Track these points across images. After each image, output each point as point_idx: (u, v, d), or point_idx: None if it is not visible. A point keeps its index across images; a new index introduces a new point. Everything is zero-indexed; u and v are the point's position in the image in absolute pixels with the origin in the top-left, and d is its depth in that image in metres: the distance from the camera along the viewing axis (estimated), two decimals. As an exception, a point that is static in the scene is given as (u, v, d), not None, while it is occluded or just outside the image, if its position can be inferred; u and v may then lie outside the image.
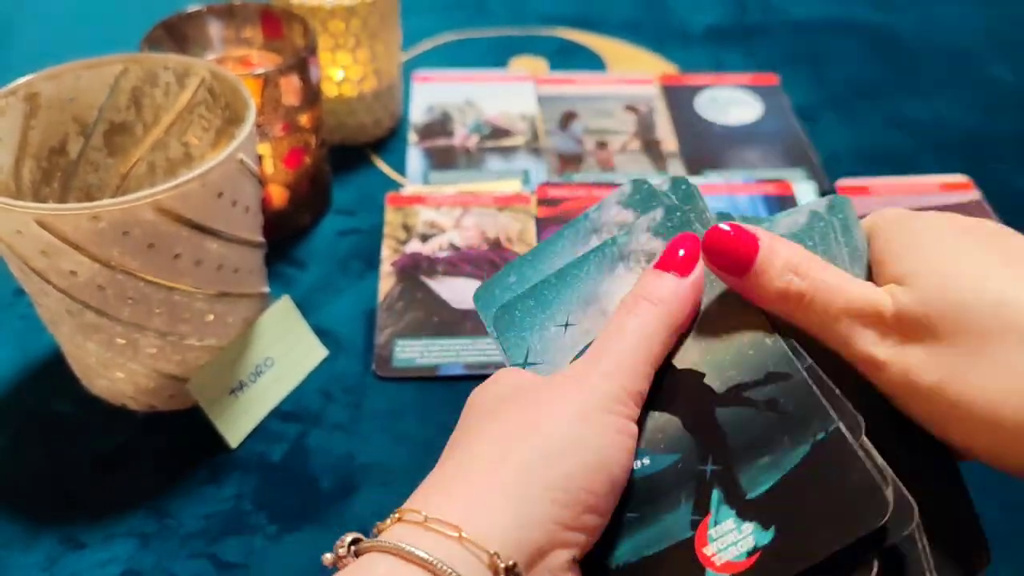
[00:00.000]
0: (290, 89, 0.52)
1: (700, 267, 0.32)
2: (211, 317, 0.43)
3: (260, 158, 0.53)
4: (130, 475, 0.44)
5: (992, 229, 0.30)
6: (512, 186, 0.61)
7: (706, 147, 0.66)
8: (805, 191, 0.61)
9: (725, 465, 0.30)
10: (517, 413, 0.30)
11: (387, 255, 0.55)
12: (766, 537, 0.28)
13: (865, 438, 0.29)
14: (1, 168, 0.43)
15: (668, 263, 0.32)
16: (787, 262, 0.30)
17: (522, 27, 0.80)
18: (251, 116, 0.42)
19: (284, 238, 0.56)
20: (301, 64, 0.52)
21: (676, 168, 0.64)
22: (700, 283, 0.32)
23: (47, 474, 0.44)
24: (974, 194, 0.61)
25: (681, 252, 0.32)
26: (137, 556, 0.40)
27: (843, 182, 0.62)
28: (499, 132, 0.66)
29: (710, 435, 0.31)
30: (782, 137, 0.67)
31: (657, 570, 0.29)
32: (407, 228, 0.57)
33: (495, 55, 0.75)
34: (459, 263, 0.55)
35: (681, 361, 0.32)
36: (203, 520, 0.42)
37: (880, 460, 0.28)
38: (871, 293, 0.29)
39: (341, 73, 0.61)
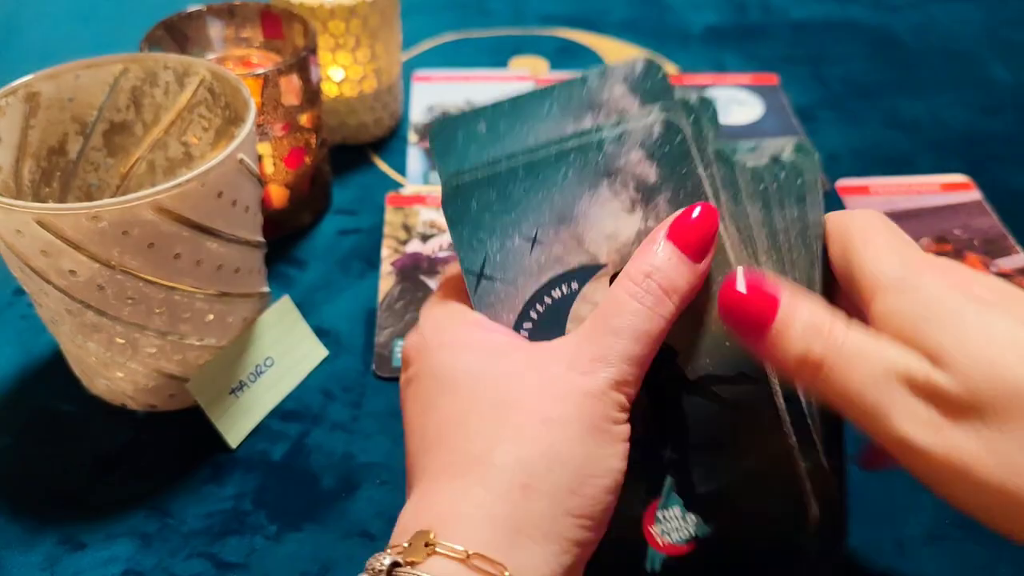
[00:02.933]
0: (290, 89, 0.52)
1: (712, 254, 0.29)
2: (211, 317, 0.43)
3: (260, 158, 0.53)
4: (130, 475, 0.44)
5: (1000, 288, 0.27)
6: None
7: (706, 147, 0.66)
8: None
9: (682, 455, 0.30)
10: (521, 416, 0.27)
11: (387, 255, 0.55)
12: (705, 530, 0.30)
13: (823, 460, 0.29)
14: (1, 168, 0.43)
15: (684, 240, 0.28)
16: (808, 324, 0.27)
17: (522, 27, 0.80)
18: (251, 116, 0.42)
19: (284, 238, 0.56)
20: (301, 64, 0.52)
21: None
22: (708, 271, 0.29)
23: (47, 474, 0.44)
24: (974, 194, 0.61)
25: (699, 232, 0.28)
26: (137, 556, 0.40)
27: (843, 182, 0.62)
28: (499, 132, 0.66)
29: (673, 421, 0.30)
30: (782, 137, 0.67)
31: (606, 537, 0.29)
32: (407, 228, 0.57)
33: (495, 55, 0.75)
34: (459, 263, 0.55)
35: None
36: (203, 520, 0.42)
37: (824, 482, 0.29)
38: (914, 361, 0.25)
39: (341, 73, 0.61)
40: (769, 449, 0.29)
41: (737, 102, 0.70)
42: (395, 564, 0.25)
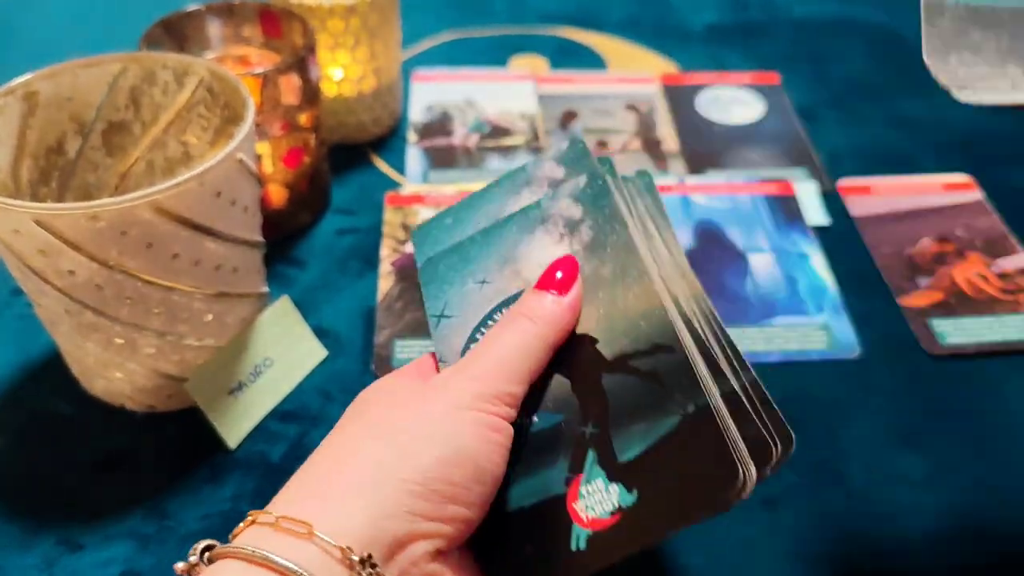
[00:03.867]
0: (289, 88, 0.52)
1: (577, 288, 0.34)
2: (210, 317, 0.43)
3: (259, 157, 0.52)
4: (129, 476, 0.44)
5: None
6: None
7: (707, 146, 0.65)
8: (806, 190, 0.61)
9: (603, 428, 0.32)
10: (378, 414, 0.31)
11: (386, 255, 0.55)
12: (629, 499, 0.30)
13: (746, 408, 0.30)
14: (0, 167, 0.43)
15: (547, 283, 0.33)
16: None
17: (522, 26, 0.79)
18: (250, 115, 0.42)
19: (283, 238, 0.56)
20: (300, 63, 0.51)
21: (677, 168, 0.64)
22: (577, 303, 0.34)
23: (45, 475, 0.44)
24: (976, 194, 0.61)
25: (559, 274, 0.34)
26: (136, 557, 0.40)
27: (844, 181, 0.62)
28: (499, 131, 0.66)
29: (594, 399, 0.32)
30: (783, 136, 0.66)
31: (530, 519, 0.32)
32: (406, 228, 0.57)
33: (495, 54, 0.75)
34: (459, 263, 0.55)
35: (579, 327, 0.34)
36: (202, 521, 0.42)
37: (751, 436, 0.29)
38: None
39: (340, 72, 0.61)
40: (689, 409, 0.30)
41: (738, 101, 0.70)
42: (208, 547, 0.28)
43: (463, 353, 0.36)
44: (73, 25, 0.79)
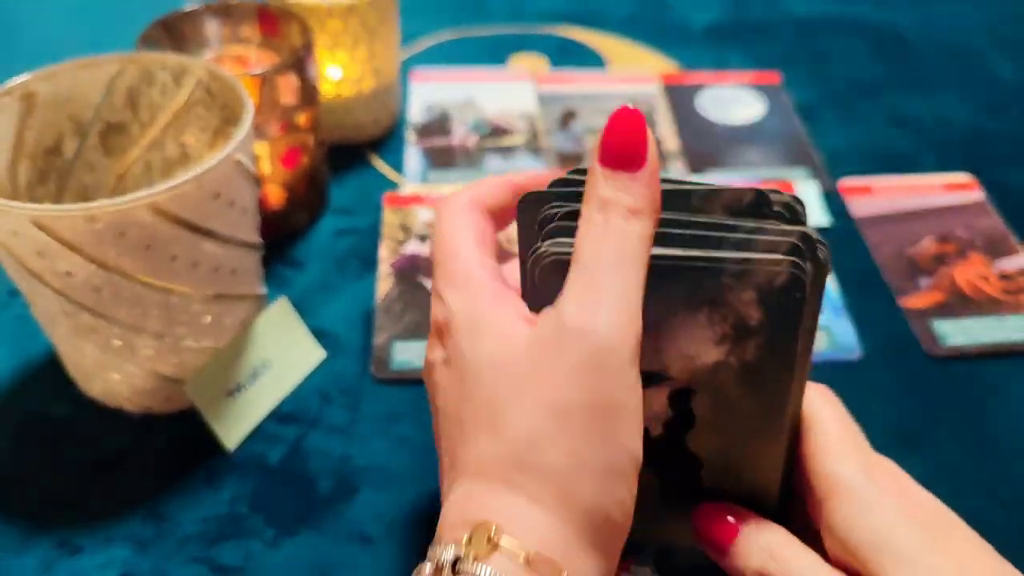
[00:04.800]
0: (288, 88, 0.51)
1: (652, 150, 0.26)
2: (208, 319, 0.43)
3: (257, 158, 0.52)
4: (127, 478, 0.43)
5: (941, 517, 0.31)
6: (512, 186, 0.60)
7: (707, 146, 0.65)
8: (807, 190, 0.61)
9: (667, 521, 0.32)
10: (544, 406, 0.26)
11: (385, 256, 0.55)
12: None
13: None
14: (-4, 168, 0.43)
15: (623, 157, 0.26)
16: (765, 547, 0.30)
17: (521, 25, 0.79)
18: (248, 116, 0.41)
19: (281, 238, 0.56)
20: (299, 63, 0.51)
21: (677, 168, 0.63)
22: (656, 172, 0.27)
23: (42, 477, 0.43)
24: (977, 194, 0.60)
25: (636, 138, 0.26)
26: (134, 560, 0.40)
27: (845, 181, 0.62)
28: (498, 131, 0.66)
29: (677, 481, 0.32)
30: (784, 136, 0.66)
31: None
32: (405, 228, 0.57)
33: (494, 53, 0.75)
34: (458, 263, 0.54)
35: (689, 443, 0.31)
36: (200, 524, 0.41)
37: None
38: None
39: (339, 72, 0.60)
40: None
41: (739, 101, 0.69)
42: (457, 560, 0.25)
43: None
44: (70, 25, 0.79)
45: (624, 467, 0.26)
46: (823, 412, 0.32)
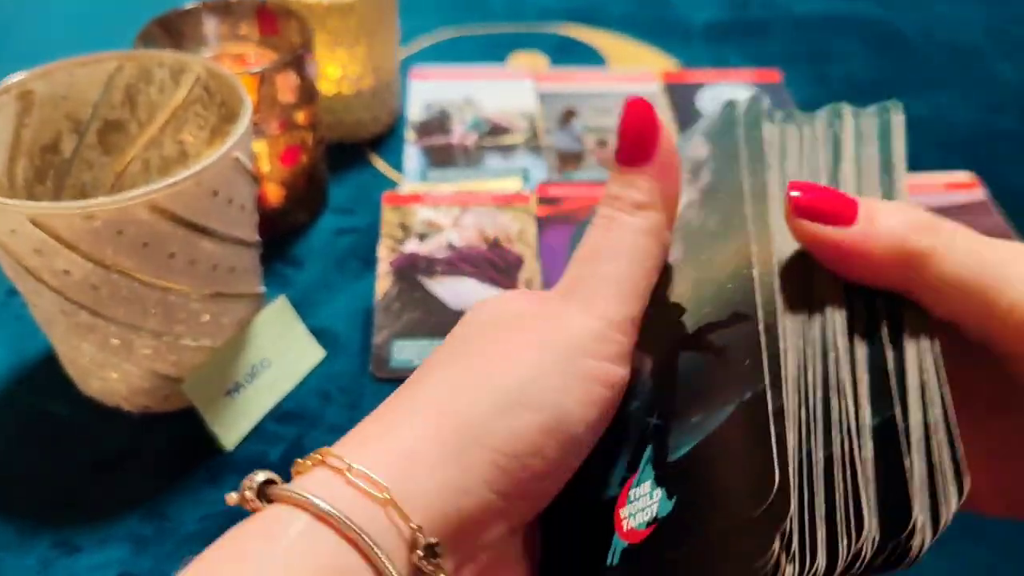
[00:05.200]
0: (286, 86, 0.51)
1: (667, 142, 0.27)
2: (206, 317, 0.43)
3: (256, 156, 0.52)
4: (125, 477, 0.43)
5: None
6: (511, 185, 0.60)
7: (707, 145, 0.65)
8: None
9: (666, 420, 0.26)
10: (483, 347, 0.26)
11: (384, 254, 0.55)
12: (667, 508, 0.24)
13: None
14: (-6, 166, 0.43)
15: (629, 156, 0.27)
16: (911, 220, 0.25)
17: (521, 23, 0.79)
18: (247, 114, 0.41)
19: (280, 237, 0.56)
20: (298, 61, 0.51)
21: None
22: (673, 163, 0.27)
23: (41, 476, 0.43)
24: (980, 193, 0.60)
25: (638, 136, 0.26)
26: (133, 559, 0.40)
27: (845, 180, 0.62)
28: (498, 130, 0.66)
29: (667, 383, 0.27)
30: (784, 135, 0.66)
31: (579, 523, 0.27)
32: (404, 227, 0.56)
33: (494, 51, 0.75)
34: (457, 263, 0.54)
35: (670, 293, 0.28)
36: (199, 523, 0.41)
37: (793, 440, 0.22)
38: None
39: (338, 70, 0.60)
40: (745, 397, 0.24)
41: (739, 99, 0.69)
42: (268, 481, 0.24)
43: None
44: (68, 23, 0.78)
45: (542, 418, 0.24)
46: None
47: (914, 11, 0.82)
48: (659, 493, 0.25)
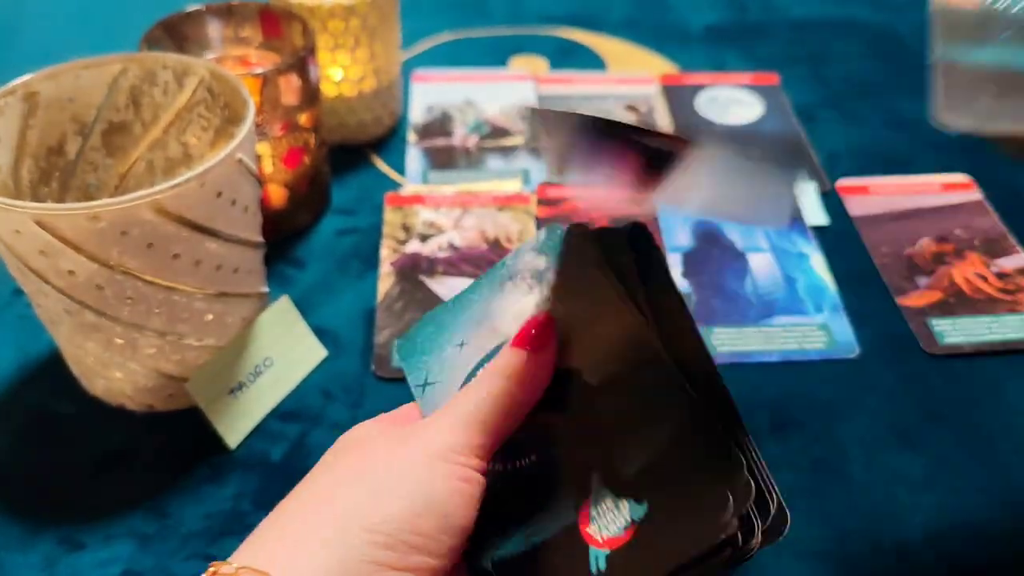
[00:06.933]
0: (289, 88, 0.52)
1: (551, 344, 0.34)
2: (210, 317, 0.43)
3: (259, 158, 0.52)
4: (129, 475, 0.44)
5: None
6: (512, 186, 0.61)
7: (706, 147, 0.65)
8: (805, 190, 0.61)
9: (603, 449, 0.32)
10: (351, 460, 0.31)
11: (386, 255, 0.55)
12: (640, 511, 0.30)
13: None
14: (0, 168, 0.43)
15: (522, 341, 0.33)
16: None
17: (522, 26, 0.79)
18: (250, 115, 0.42)
19: (283, 238, 0.56)
20: (300, 63, 0.52)
21: (676, 168, 0.64)
22: (550, 360, 0.34)
23: (46, 474, 0.44)
24: (975, 194, 0.61)
25: (533, 332, 0.34)
26: (136, 556, 0.40)
27: (843, 182, 0.62)
28: (499, 132, 0.66)
29: (589, 424, 0.32)
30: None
31: (546, 553, 0.31)
32: (406, 228, 0.57)
33: (495, 54, 0.75)
34: (458, 263, 0.55)
35: (561, 363, 0.34)
36: (203, 520, 0.42)
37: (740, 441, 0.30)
38: None
39: (340, 72, 0.61)
40: (684, 417, 0.31)
41: (737, 102, 0.70)
42: None
43: None
44: (73, 26, 0.79)
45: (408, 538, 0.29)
46: None
47: (911, 13, 0.82)
48: (625, 503, 0.31)
